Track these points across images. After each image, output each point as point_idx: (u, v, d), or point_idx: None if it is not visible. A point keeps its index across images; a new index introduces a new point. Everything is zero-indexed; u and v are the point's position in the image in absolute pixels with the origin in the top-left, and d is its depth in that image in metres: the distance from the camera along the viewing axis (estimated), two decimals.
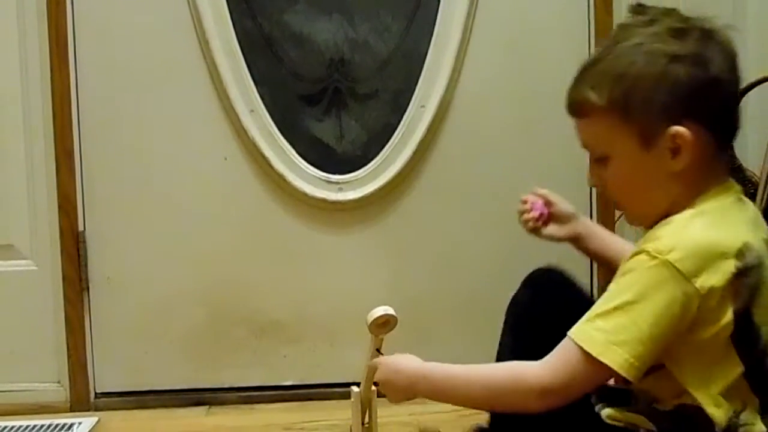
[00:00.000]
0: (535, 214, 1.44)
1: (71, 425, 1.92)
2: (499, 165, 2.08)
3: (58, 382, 2.03)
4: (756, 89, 1.83)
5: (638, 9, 1.22)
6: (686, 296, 1.09)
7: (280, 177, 2.03)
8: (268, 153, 2.02)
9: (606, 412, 1.22)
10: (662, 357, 1.13)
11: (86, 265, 2.02)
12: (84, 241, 2.01)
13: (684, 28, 1.16)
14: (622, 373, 1.10)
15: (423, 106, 2.04)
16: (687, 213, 1.15)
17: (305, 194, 2.04)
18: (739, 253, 1.11)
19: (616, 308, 1.11)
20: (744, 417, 1.13)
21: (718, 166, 1.18)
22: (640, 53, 1.15)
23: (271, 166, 2.03)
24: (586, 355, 1.11)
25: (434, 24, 2.03)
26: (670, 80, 1.14)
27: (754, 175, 1.85)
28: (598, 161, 1.21)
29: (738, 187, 1.21)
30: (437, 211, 2.08)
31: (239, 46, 2.00)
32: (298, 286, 2.06)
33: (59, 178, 1.99)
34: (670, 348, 1.12)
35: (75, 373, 2.02)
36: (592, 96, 1.18)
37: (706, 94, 1.14)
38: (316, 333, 2.06)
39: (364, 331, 2.07)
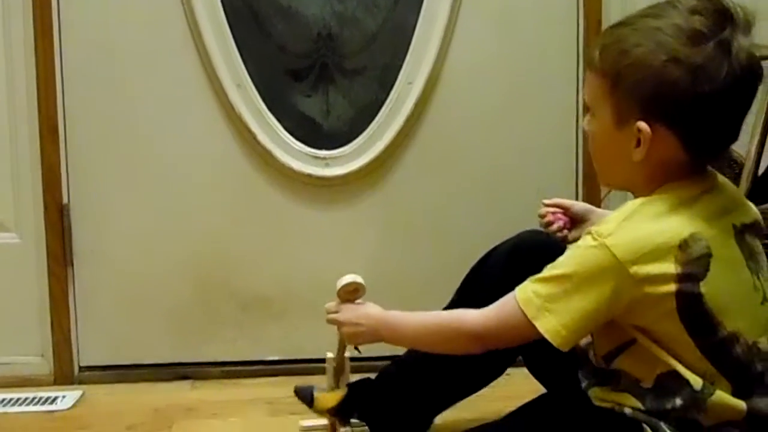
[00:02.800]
0: (560, 224, 1.49)
1: (55, 398, 1.92)
2: (486, 141, 2.08)
3: (42, 356, 2.03)
4: None
5: None
6: (619, 280, 1.13)
7: (267, 152, 2.02)
8: (255, 128, 2.01)
9: (593, 393, 1.25)
10: (631, 332, 1.17)
11: (70, 239, 2.01)
12: (68, 214, 2.00)
13: (706, 34, 1.14)
14: (549, 338, 1.16)
15: (410, 83, 2.04)
16: (638, 200, 1.19)
17: (292, 169, 2.03)
18: (683, 244, 1.13)
19: (553, 278, 1.18)
20: (718, 391, 1.16)
21: (686, 169, 1.19)
22: (652, 40, 1.15)
23: (257, 141, 2.02)
24: (522, 314, 1.18)
25: None
26: (660, 79, 1.14)
27: (740, 156, 1.85)
28: (590, 111, 1.25)
29: (709, 182, 1.21)
30: (424, 187, 2.08)
31: (226, 19, 1.99)
32: (284, 261, 2.06)
33: (43, 151, 1.98)
34: (632, 324, 1.17)
35: (59, 346, 2.02)
36: (596, 56, 1.21)
37: (689, 106, 1.14)
38: (301, 308, 2.06)
39: None
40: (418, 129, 2.06)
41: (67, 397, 1.92)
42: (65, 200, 2.00)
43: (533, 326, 1.17)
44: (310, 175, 2.04)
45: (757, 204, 1.69)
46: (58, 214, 1.99)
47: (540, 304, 1.17)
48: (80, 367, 2.04)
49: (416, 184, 2.07)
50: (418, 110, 2.04)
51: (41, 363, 2.02)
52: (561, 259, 1.19)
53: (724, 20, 1.15)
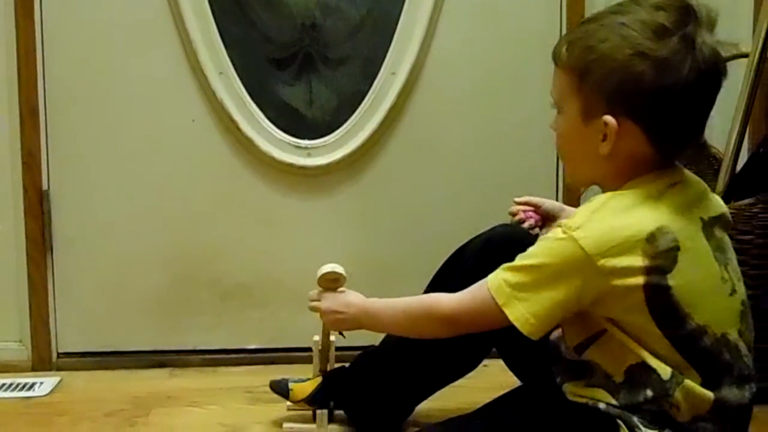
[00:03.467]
0: (532, 222, 1.52)
1: (33, 384, 1.91)
2: (468, 133, 2.08)
3: (20, 342, 2.02)
4: None
5: None
6: (586, 272, 1.15)
7: (249, 141, 2.02)
8: (237, 116, 2.01)
9: (567, 388, 1.26)
10: (602, 323, 1.20)
11: (50, 225, 2.00)
12: (48, 201, 1.99)
13: (669, 28, 1.16)
14: (518, 325, 1.19)
15: (393, 73, 2.04)
16: (607, 194, 1.21)
17: (273, 159, 2.03)
18: (651, 237, 1.15)
19: (523, 267, 1.20)
20: (686, 381, 1.18)
21: (653, 163, 1.21)
22: (617, 34, 1.18)
23: (239, 130, 2.01)
24: (493, 300, 1.21)
25: None
26: (626, 72, 1.17)
27: (719, 152, 1.87)
28: (557, 109, 1.28)
29: (676, 176, 1.23)
30: (406, 177, 2.08)
31: (210, 7, 1.98)
32: (265, 250, 2.06)
33: (23, 136, 1.96)
34: (602, 315, 1.19)
35: (37, 332, 2.01)
36: (563, 52, 1.23)
37: (654, 99, 1.17)
38: (281, 297, 2.06)
39: None
40: (401, 120, 2.06)
41: (45, 383, 1.92)
42: (45, 186, 1.99)
43: (503, 313, 1.19)
44: (291, 165, 2.04)
45: (735, 200, 1.72)
46: (37, 200, 1.98)
47: (509, 291, 1.19)
48: (58, 354, 2.03)
49: (398, 174, 2.08)
50: (401, 101, 2.05)
51: (19, 349, 2.02)
52: (531, 249, 1.21)
53: (688, 16, 1.17)
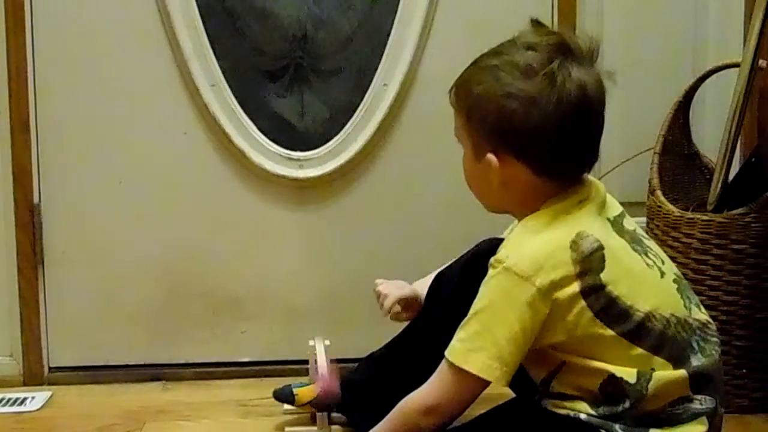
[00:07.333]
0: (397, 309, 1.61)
1: (24, 399, 1.90)
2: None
3: (11, 356, 2.00)
4: (714, 77, 1.86)
5: (534, 23, 1.32)
6: (529, 295, 1.19)
7: (241, 153, 2.02)
8: (229, 128, 2.00)
9: (546, 403, 1.28)
10: (558, 356, 1.22)
11: (41, 238, 1.99)
12: (39, 214, 1.98)
13: (535, 68, 1.22)
14: (484, 376, 1.20)
15: (386, 85, 2.04)
16: (522, 221, 1.27)
17: (266, 171, 2.02)
18: (573, 244, 1.20)
19: (470, 318, 1.23)
20: (656, 372, 1.21)
21: (551, 189, 1.26)
22: (491, 77, 1.25)
23: (231, 142, 2.01)
24: (453, 366, 1.21)
25: (398, 2, 2.02)
26: (500, 112, 1.23)
27: (711, 161, 1.88)
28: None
29: (584, 192, 1.28)
30: (398, 189, 2.08)
31: (201, 19, 1.98)
32: (257, 262, 2.06)
33: (14, 149, 1.95)
34: (554, 345, 1.22)
35: (28, 346, 2.00)
36: (452, 96, 1.33)
37: (526, 135, 1.22)
38: (274, 310, 2.06)
39: (322, 309, 2.08)
40: (393, 131, 2.06)
41: (37, 398, 1.91)
42: (36, 200, 1.98)
43: (465, 373, 1.20)
44: (284, 177, 2.03)
45: (727, 210, 1.72)
46: (28, 213, 1.97)
47: (463, 347, 1.21)
48: (50, 368, 2.02)
49: (391, 186, 2.07)
50: (393, 113, 2.05)
51: (10, 363, 2.00)
52: (476, 299, 1.23)
53: (557, 53, 1.23)
